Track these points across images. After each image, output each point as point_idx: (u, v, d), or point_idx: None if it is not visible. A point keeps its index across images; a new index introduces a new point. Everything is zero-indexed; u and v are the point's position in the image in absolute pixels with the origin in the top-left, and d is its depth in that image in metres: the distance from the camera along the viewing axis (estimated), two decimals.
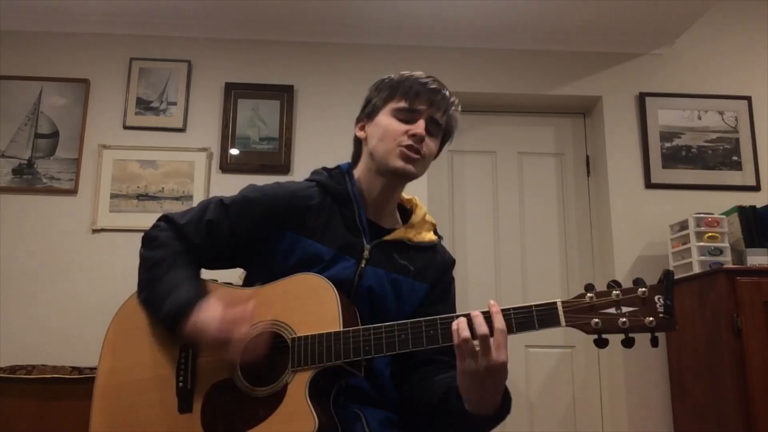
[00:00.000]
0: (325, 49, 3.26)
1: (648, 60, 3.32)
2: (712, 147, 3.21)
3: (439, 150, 1.37)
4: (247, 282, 1.32)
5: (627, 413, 2.89)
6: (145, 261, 1.24)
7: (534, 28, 3.22)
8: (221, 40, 3.24)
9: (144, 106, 3.13)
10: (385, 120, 1.28)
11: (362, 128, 1.34)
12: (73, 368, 2.58)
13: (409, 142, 1.25)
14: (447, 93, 1.30)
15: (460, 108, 1.35)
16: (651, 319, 0.98)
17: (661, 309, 0.98)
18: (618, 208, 3.12)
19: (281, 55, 3.24)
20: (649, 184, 3.15)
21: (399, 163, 1.25)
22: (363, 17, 3.14)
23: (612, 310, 1.00)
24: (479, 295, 3.16)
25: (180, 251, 1.24)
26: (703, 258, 2.69)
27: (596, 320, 1.00)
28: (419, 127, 1.25)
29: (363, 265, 1.24)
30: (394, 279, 1.26)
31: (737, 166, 3.19)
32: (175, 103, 3.14)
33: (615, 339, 1.03)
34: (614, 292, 1.01)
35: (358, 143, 1.36)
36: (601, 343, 1.01)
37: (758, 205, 2.84)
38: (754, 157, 3.20)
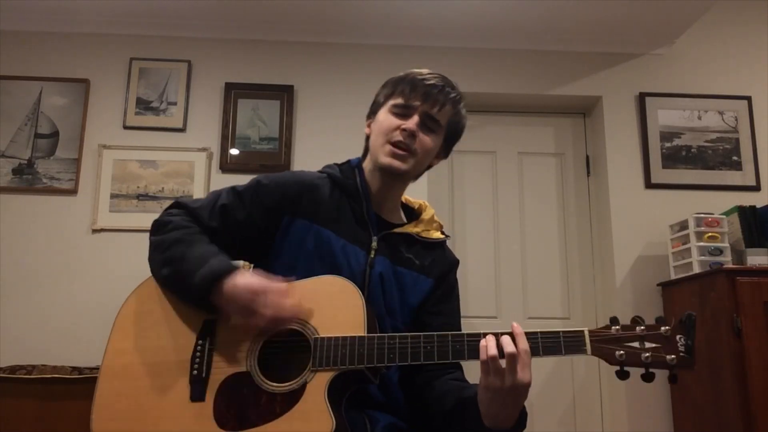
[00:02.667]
0: (325, 49, 3.26)
1: (648, 60, 3.32)
2: (712, 147, 3.21)
3: (446, 150, 1.38)
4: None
5: (627, 413, 2.89)
6: (160, 244, 1.21)
7: (534, 28, 3.22)
8: (221, 40, 3.24)
9: (144, 106, 3.13)
10: (382, 116, 1.31)
11: (369, 125, 1.37)
12: (73, 368, 2.58)
13: (399, 137, 1.26)
14: (448, 89, 1.30)
15: (462, 104, 1.35)
16: (672, 356, 1.02)
17: (682, 348, 1.02)
18: (618, 208, 3.12)
19: (281, 55, 3.24)
20: (649, 184, 3.15)
21: (386, 160, 1.27)
22: (363, 17, 3.14)
23: (636, 345, 1.04)
24: (479, 295, 3.16)
25: (199, 231, 1.23)
26: (703, 258, 2.69)
27: (620, 352, 1.04)
28: (411, 122, 1.27)
29: (372, 255, 1.27)
30: (397, 271, 1.28)
31: (737, 166, 3.19)
32: (175, 103, 3.14)
33: (635, 373, 1.06)
34: (639, 327, 1.05)
35: (366, 140, 1.39)
36: (622, 375, 1.05)
37: (758, 205, 2.83)
38: (754, 157, 3.20)
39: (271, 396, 1.10)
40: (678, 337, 1.02)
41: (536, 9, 3.04)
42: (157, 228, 1.25)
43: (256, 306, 1.09)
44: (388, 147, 1.27)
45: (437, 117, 1.30)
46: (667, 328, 1.03)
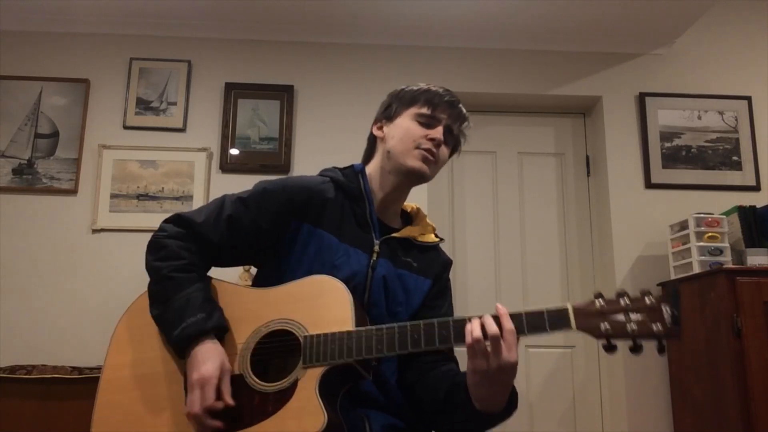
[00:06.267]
0: (325, 49, 3.26)
1: (648, 60, 3.32)
2: (712, 147, 3.21)
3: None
4: (259, 278, 1.34)
5: (627, 413, 2.89)
6: (154, 272, 1.22)
7: (534, 28, 3.22)
8: (221, 40, 3.24)
9: (144, 106, 3.13)
10: (406, 122, 1.33)
11: (380, 128, 1.39)
12: (73, 368, 2.57)
13: (429, 145, 1.30)
14: (462, 108, 1.37)
15: (471, 125, 1.41)
16: (659, 326, 1.00)
17: (668, 318, 1.01)
18: (618, 208, 3.12)
19: (281, 55, 3.24)
20: (649, 184, 3.15)
21: (417, 164, 1.30)
22: (363, 17, 3.14)
23: (621, 317, 1.03)
24: (479, 295, 3.16)
25: (189, 263, 1.23)
26: (703, 258, 2.69)
27: (606, 325, 1.02)
28: (438, 132, 1.31)
29: (375, 258, 1.28)
30: (400, 274, 1.30)
31: (737, 166, 3.19)
32: (175, 103, 3.14)
33: (623, 346, 1.04)
34: (623, 300, 1.04)
35: (373, 142, 1.41)
36: (610, 348, 1.03)
37: (758, 205, 2.83)
38: (754, 157, 3.20)
39: (263, 396, 1.11)
40: (664, 307, 1.01)
41: (536, 9, 3.04)
42: (151, 249, 1.26)
43: (194, 391, 1.10)
44: (418, 152, 1.30)
45: (456, 133, 1.36)
46: (652, 298, 1.03)
